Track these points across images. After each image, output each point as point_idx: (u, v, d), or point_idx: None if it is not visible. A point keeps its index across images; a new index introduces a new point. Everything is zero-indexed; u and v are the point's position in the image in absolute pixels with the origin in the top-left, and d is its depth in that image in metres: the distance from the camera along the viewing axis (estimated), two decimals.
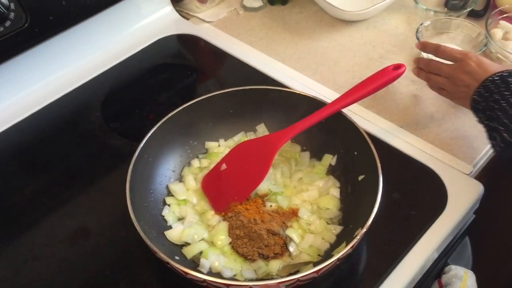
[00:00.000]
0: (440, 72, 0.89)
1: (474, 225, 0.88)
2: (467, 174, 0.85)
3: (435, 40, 1.03)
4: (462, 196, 0.82)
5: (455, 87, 0.86)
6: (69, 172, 0.90)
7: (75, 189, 0.87)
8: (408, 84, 1.01)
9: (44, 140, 0.96)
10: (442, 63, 0.90)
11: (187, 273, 0.65)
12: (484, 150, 0.89)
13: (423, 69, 0.94)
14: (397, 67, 0.83)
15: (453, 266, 0.86)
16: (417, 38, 1.03)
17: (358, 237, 0.66)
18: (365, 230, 0.67)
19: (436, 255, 0.80)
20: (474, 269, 0.87)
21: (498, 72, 0.79)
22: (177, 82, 1.08)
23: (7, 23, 0.88)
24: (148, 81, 1.08)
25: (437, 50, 0.91)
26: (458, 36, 1.06)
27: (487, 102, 0.78)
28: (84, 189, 0.87)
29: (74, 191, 0.87)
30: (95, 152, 0.93)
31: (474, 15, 1.13)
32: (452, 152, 0.88)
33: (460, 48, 1.00)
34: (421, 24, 1.05)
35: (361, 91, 0.81)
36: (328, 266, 0.65)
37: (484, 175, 0.90)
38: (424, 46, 0.96)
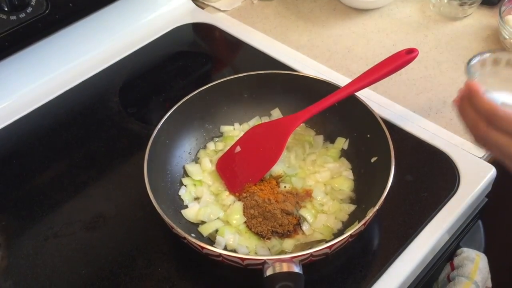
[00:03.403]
0: (498, 147, 0.60)
1: (486, 208, 0.89)
2: (480, 157, 0.86)
3: (492, 83, 0.73)
4: (474, 178, 0.83)
5: None
6: (88, 154, 0.93)
7: (94, 171, 0.90)
8: (421, 70, 1.02)
9: (64, 124, 0.98)
10: (500, 132, 0.59)
11: (203, 248, 0.67)
12: None
13: (474, 110, 0.61)
14: (410, 51, 0.84)
15: (465, 249, 0.87)
16: (469, 75, 0.71)
17: (370, 214, 0.68)
18: (377, 208, 0.68)
19: (447, 237, 0.81)
20: (486, 252, 0.87)
21: None
22: (193, 69, 1.10)
23: (29, 10, 0.91)
24: (165, 69, 1.10)
25: (490, 118, 0.58)
26: None
27: None
28: (102, 171, 0.90)
29: (93, 173, 0.89)
30: (113, 136, 0.95)
31: (488, 2, 1.13)
32: (465, 136, 0.89)
33: None
34: (474, 57, 0.72)
35: (374, 75, 0.82)
36: (340, 242, 0.66)
37: (497, 160, 0.91)
38: (469, 95, 0.61)
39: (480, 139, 0.61)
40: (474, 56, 0.73)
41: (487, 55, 0.73)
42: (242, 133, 0.88)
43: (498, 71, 0.72)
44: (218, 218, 0.78)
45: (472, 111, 0.60)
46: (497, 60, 0.72)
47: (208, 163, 0.86)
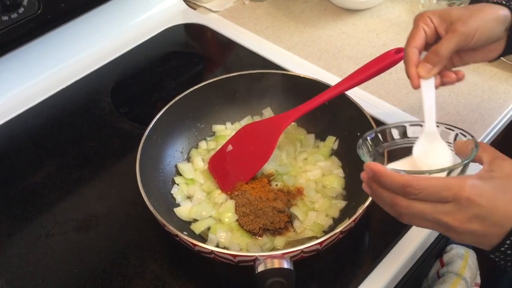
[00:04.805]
0: (424, 217, 0.56)
1: None
2: None
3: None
4: None
5: (457, 235, 0.56)
6: (80, 154, 0.93)
7: (86, 170, 0.90)
8: None
9: (56, 124, 0.99)
10: (422, 202, 0.55)
11: (195, 245, 0.67)
12: (485, 133, 0.91)
13: (386, 190, 0.57)
14: (399, 50, 0.84)
15: (454, 245, 0.88)
16: (360, 156, 0.64)
17: (360, 211, 0.69)
18: (367, 205, 0.69)
19: (437, 233, 0.82)
20: (475, 248, 0.89)
21: None
22: (185, 69, 1.10)
23: (21, 10, 0.91)
24: (156, 69, 1.11)
25: (406, 191, 0.55)
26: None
27: None
28: (95, 171, 0.90)
29: (85, 173, 0.90)
30: (105, 135, 0.96)
31: (476, 3, 1.15)
32: None
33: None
34: (363, 139, 0.67)
35: (364, 74, 0.82)
36: (331, 238, 0.67)
37: None
38: (377, 177, 0.57)
39: (404, 216, 0.57)
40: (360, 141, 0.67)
41: (372, 135, 0.68)
42: (233, 132, 0.88)
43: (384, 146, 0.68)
44: (210, 216, 0.79)
45: (385, 191, 0.57)
46: (382, 134, 0.68)
47: (200, 162, 0.86)
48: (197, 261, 0.75)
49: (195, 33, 1.19)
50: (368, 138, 0.67)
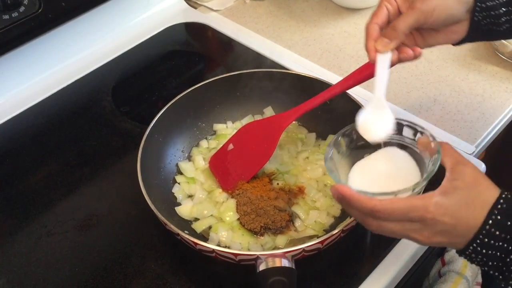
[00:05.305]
0: (394, 233, 0.60)
1: None
2: (469, 154, 0.87)
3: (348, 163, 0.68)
4: None
5: (425, 245, 0.62)
6: (81, 153, 0.93)
7: (87, 169, 0.90)
8: (412, 68, 1.03)
9: (57, 123, 0.99)
10: (391, 222, 0.58)
11: (196, 244, 0.67)
12: (486, 131, 0.91)
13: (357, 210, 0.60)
14: None
15: None
16: (328, 173, 0.66)
17: None
18: None
19: None
20: None
21: (482, 226, 0.55)
22: (186, 68, 1.10)
23: (21, 9, 0.91)
24: (157, 68, 1.11)
25: (375, 215, 0.58)
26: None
27: (488, 257, 0.57)
28: (96, 170, 0.90)
29: (86, 172, 0.90)
30: (106, 134, 0.96)
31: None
32: (455, 133, 0.90)
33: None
34: (337, 136, 0.69)
35: (365, 72, 0.82)
36: (332, 237, 0.67)
37: (487, 156, 0.92)
38: (346, 200, 0.59)
39: (374, 231, 0.61)
40: (338, 133, 0.69)
41: (348, 129, 0.70)
42: (235, 131, 0.88)
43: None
44: (211, 215, 0.79)
45: (356, 210, 0.60)
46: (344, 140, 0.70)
47: (201, 161, 0.86)
48: (198, 260, 0.75)
49: (196, 32, 1.19)
50: (342, 136, 0.69)
